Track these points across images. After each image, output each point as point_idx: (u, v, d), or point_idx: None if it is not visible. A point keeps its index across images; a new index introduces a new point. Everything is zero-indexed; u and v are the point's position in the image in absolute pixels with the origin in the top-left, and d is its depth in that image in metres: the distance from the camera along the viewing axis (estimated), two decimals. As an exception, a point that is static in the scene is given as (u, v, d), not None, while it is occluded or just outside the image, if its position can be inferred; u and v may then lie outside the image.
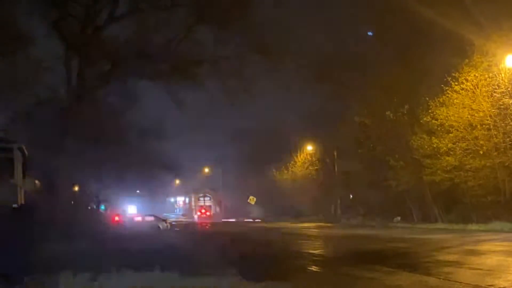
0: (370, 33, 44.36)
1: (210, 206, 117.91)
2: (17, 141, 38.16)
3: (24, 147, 38.68)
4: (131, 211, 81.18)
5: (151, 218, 53.27)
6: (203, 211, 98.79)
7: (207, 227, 58.82)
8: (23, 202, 37.44)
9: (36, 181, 44.67)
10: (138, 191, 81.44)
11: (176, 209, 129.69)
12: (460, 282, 11.99)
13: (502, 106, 34.15)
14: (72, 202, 47.18)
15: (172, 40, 34.55)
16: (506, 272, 13.53)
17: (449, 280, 12.49)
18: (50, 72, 34.91)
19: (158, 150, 64.25)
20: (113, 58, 34.12)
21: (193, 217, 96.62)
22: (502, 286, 11.27)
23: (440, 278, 12.77)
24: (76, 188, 55.86)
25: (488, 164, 35.86)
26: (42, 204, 31.01)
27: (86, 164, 46.26)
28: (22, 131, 38.75)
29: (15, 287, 9.75)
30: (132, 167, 59.33)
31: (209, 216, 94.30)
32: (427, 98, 37.93)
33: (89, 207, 58.22)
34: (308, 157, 67.21)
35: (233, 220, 75.88)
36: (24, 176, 41.70)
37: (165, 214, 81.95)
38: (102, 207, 68.20)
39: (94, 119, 42.39)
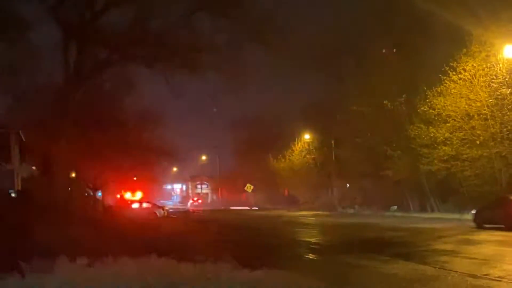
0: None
1: (206, 194, 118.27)
2: (14, 126, 38.11)
3: (21, 133, 38.63)
4: (128, 198, 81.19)
5: (148, 205, 53.35)
6: (195, 199, 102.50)
7: (200, 214, 58.89)
8: (19, 187, 37.42)
9: (33, 167, 44.62)
10: (135, 178, 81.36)
11: (173, 196, 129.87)
12: (456, 271, 12.03)
13: (499, 96, 34.13)
14: (69, 188, 47.15)
15: (171, 27, 34.42)
16: (501, 261, 13.58)
17: (444, 269, 12.54)
18: (47, 57, 34.82)
19: (155, 137, 64.18)
20: (111, 44, 33.94)
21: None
22: (497, 275, 11.31)
23: (436, 267, 12.82)
24: (73, 174, 55.87)
25: (484, 154, 35.88)
26: (38, 190, 30.99)
27: (83, 150, 46.25)
28: (19, 117, 38.69)
29: (11, 272, 9.75)
30: (129, 154, 59.26)
31: (201, 203, 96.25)
32: (425, 88, 37.88)
33: (86, 194, 58.21)
34: (306, 145, 67.21)
35: (230, 208, 75.90)
36: (21, 162, 41.67)
37: (162, 201, 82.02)
38: (99, 193, 68.20)
39: (92, 105, 42.33)
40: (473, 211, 29.71)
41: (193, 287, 8.33)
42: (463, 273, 11.80)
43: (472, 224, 28.05)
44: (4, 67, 32.94)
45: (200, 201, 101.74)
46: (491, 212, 27.16)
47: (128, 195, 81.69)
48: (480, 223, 27.51)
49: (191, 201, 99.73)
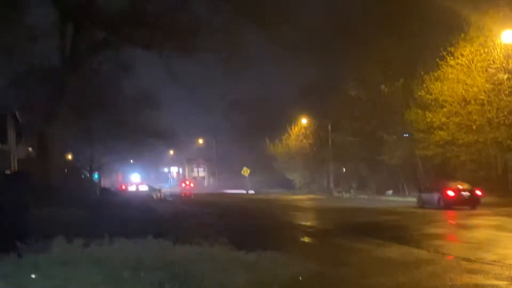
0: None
1: (203, 177, 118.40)
2: (10, 108, 37.99)
3: (17, 114, 38.52)
4: (125, 180, 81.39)
5: (145, 188, 53.44)
6: (187, 182, 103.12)
7: (191, 197, 58.92)
8: (16, 168, 37.40)
9: (29, 148, 44.61)
10: (132, 161, 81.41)
11: (170, 179, 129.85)
12: (450, 255, 12.11)
13: (496, 82, 34.16)
14: (66, 170, 47.15)
15: (168, 8, 34.26)
16: (496, 246, 13.65)
17: (438, 252, 12.62)
18: (44, 39, 34.62)
19: (152, 120, 64.12)
20: (108, 26, 33.82)
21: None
22: (491, 259, 11.37)
23: (430, 251, 12.89)
24: (70, 156, 55.88)
25: (480, 139, 35.95)
26: (35, 171, 30.98)
27: (79, 132, 46.25)
28: (16, 98, 38.58)
29: (8, 252, 9.79)
30: (126, 136, 59.22)
31: (193, 187, 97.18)
32: (422, 73, 37.86)
33: (82, 175, 58.23)
34: (302, 130, 67.20)
35: (226, 191, 75.98)
36: (17, 143, 41.63)
37: (159, 184, 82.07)
38: (96, 175, 68.21)
39: (88, 88, 42.23)
40: (419, 193, 34.92)
41: (188, 268, 8.37)
42: (457, 257, 11.87)
43: (416, 205, 33.22)
44: (0, 48, 32.81)
45: (192, 184, 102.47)
46: (429, 195, 32.47)
47: (126, 178, 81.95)
48: (422, 204, 32.51)
49: (183, 184, 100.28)
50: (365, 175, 51.88)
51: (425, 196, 33.26)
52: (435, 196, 31.56)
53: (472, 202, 29.97)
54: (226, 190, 78.44)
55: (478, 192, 30.81)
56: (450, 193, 30.61)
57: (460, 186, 31.57)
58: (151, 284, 7.62)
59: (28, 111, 38.46)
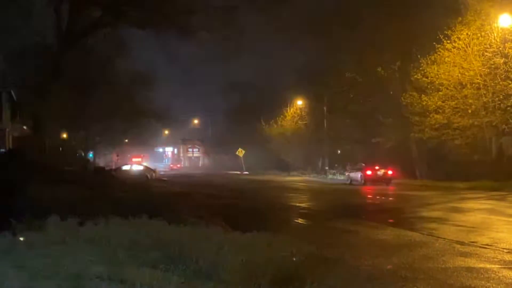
0: None
1: (198, 158, 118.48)
2: (5, 85, 37.86)
3: (12, 92, 38.41)
4: (122, 159, 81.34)
5: (139, 168, 53.31)
6: (175, 162, 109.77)
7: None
8: (10, 146, 37.36)
9: (24, 127, 44.52)
10: (126, 140, 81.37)
11: (165, 159, 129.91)
12: (444, 238, 12.16)
13: (492, 66, 34.12)
14: (60, 149, 47.12)
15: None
16: (489, 229, 13.72)
17: (432, 235, 12.68)
18: (39, 17, 34.43)
19: (147, 100, 64.11)
20: (104, 4, 33.62)
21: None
22: (484, 243, 11.44)
23: (423, 234, 12.96)
24: (65, 135, 55.81)
25: (476, 123, 36.02)
26: (30, 149, 30.94)
27: (74, 111, 46.16)
28: (11, 76, 38.44)
29: (2, 230, 9.78)
30: (121, 116, 59.19)
31: (180, 168, 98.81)
32: (419, 56, 37.81)
33: (77, 154, 58.17)
34: (298, 111, 67.20)
35: (220, 172, 76.06)
36: (12, 121, 41.55)
37: (154, 164, 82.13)
38: (90, 155, 68.16)
39: (84, 67, 42.10)
40: (346, 173, 46.05)
41: (183, 248, 8.40)
42: (450, 240, 11.93)
43: (347, 182, 43.30)
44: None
45: (179, 165, 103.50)
46: (355, 174, 42.90)
47: (121, 157, 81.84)
48: (350, 182, 42.85)
49: (170, 165, 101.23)
50: (360, 157, 51.95)
51: (352, 175, 43.45)
52: (359, 175, 41.86)
53: (386, 180, 39.73)
54: (220, 170, 78.57)
55: (390, 172, 40.59)
56: (368, 172, 40.81)
57: (377, 167, 40.94)
58: (146, 264, 7.64)
59: (23, 89, 38.35)
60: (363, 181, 40.48)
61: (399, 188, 34.42)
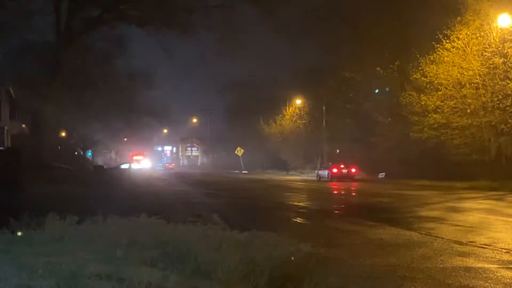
0: None
1: (196, 156, 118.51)
2: (4, 83, 37.83)
3: (11, 90, 38.39)
4: (122, 158, 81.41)
5: (138, 166, 53.32)
6: (169, 162, 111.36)
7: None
8: (9, 144, 37.35)
9: (23, 125, 44.52)
10: (125, 139, 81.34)
11: (164, 158, 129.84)
12: (442, 238, 12.15)
13: (491, 66, 34.15)
14: (59, 147, 47.10)
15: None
16: (487, 229, 13.71)
17: (430, 235, 12.67)
18: (38, 15, 34.45)
19: (146, 98, 64.05)
20: (103, 3, 33.64)
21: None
22: (483, 243, 11.43)
23: (422, 233, 12.95)
24: (63, 134, 55.78)
25: (474, 123, 36.06)
26: (28, 148, 30.94)
27: (73, 110, 46.12)
28: (10, 74, 38.43)
29: (1, 228, 9.78)
30: (120, 114, 59.15)
31: (173, 167, 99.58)
32: (418, 55, 37.83)
33: (76, 153, 58.17)
34: (297, 110, 67.19)
35: (218, 171, 76.04)
36: (11, 119, 41.53)
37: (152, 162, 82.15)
38: (89, 153, 68.16)
39: (83, 65, 42.08)
40: (316, 171, 52.69)
41: (181, 246, 8.39)
42: (449, 239, 11.92)
43: (316, 179, 49.28)
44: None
45: (173, 165, 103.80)
46: (323, 172, 49.35)
47: (120, 156, 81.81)
48: (319, 178, 49.12)
49: (159, 164, 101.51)
50: (359, 156, 51.96)
51: (321, 172, 49.98)
52: (326, 172, 48.17)
53: (349, 177, 46.08)
54: (219, 170, 78.56)
55: (353, 170, 46.96)
56: (334, 170, 47.08)
57: (342, 166, 47.27)
58: (144, 262, 7.64)
59: (22, 87, 38.32)
60: (329, 178, 46.88)
61: (362, 185, 39.55)
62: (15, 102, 40.35)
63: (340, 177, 45.85)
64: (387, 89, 47.04)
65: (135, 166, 53.88)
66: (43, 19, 34.86)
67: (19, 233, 9.59)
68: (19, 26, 34.21)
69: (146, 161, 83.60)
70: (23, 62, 37.72)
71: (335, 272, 8.08)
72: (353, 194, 30.57)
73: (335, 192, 33.05)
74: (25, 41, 36.65)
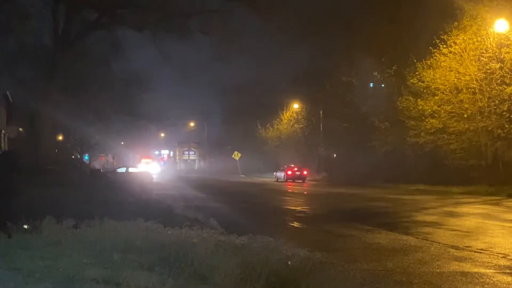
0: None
1: (194, 160, 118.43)
2: (1, 87, 37.81)
3: (8, 93, 38.36)
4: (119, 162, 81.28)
5: (135, 171, 53.24)
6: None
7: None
8: (6, 148, 37.33)
9: (20, 129, 44.51)
10: (122, 143, 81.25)
11: (161, 162, 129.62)
12: (438, 243, 12.19)
13: (488, 71, 34.22)
14: (56, 151, 47.04)
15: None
16: (484, 234, 13.76)
17: (427, 239, 12.71)
18: (36, 18, 34.43)
19: (143, 102, 64.00)
20: (101, 6, 33.61)
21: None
22: (479, 247, 11.47)
23: (418, 238, 12.99)
24: (61, 137, 55.72)
25: (471, 127, 36.11)
26: (25, 151, 30.92)
27: (70, 113, 46.07)
28: (7, 78, 38.40)
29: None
30: (117, 118, 59.08)
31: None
32: (415, 60, 37.92)
33: (73, 156, 58.13)
34: (294, 115, 67.25)
35: (215, 175, 75.95)
36: (8, 123, 41.50)
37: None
38: (86, 157, 68.10)
39: (80, 68, 42.04)
40: (274, 173, 59.01)
41: (178, 251, 8.40)
42: (445, 244, 11.96)
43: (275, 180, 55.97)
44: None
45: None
46: (280, 173, 56.50)
47: (118, 160, 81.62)
48: (276, 179, 56.16)
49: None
50: (355, 160, 51.95)
51: (278, 174, 57.20)
52: (282, 174, 55.71)
53: (301, 178, 54.25)
54: (216, 174, 78.48)
55: (305, 172, 55.20)
56: (289, 172, 54.71)
57: (295, 168, 55.25)
58: (141, 266, 7.64)
59: (19, 91, 38.30)
60: (285, 179, 54.55)
61: (312, 185, 46.34)
62: (12, 106, 40.33)
63: (293, 178, 54.22)
64: (382, 85, 47.11)
65: (132, 170, 53.67)
66: (40, 23, 34.76)
67: (16, 237, 9.58)
68: (15, 29, 34.17)
69: (155, 164, 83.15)
70: (20, 66, 37.71)
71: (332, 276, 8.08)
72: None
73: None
74: (22, 44, 36.61)
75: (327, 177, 55.08)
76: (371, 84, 49.86)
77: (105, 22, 34.75)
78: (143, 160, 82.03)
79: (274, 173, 58.68)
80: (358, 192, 34.35)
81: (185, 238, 9.69)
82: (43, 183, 21.08)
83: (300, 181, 53.48)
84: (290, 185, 47.44)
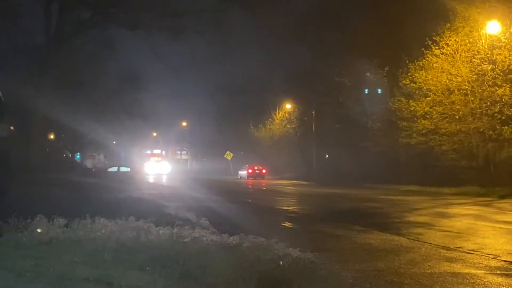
0: None
1: (186, 160, 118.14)
2: (-8, 85, 37.58)
3: (0, 92, 38.17)
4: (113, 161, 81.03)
5: (127, 169, 53.16)
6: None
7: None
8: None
9: (11, 127, 44.28)
10: (114, 142, 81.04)
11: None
12: (430, 243, 12.20)
13: (480, 72, 34.37)
14: (47, 150, 46.88)
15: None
16: (475, 235, 13.78)
17: (418, 240, 12.71)
18: (28, 17, 34.37)
19: (136, 101, 63.90)
20: (94, 5, 33.57)
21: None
22: (470, 248, 11.48)
23: (410, 238, 12.99)
24: (52, 136, 55.55)
25: (463, 129, 36.25)
26: (16, 150, 30.79)
27: (62, 112, 45.94)
28: (-1, 75, 38.24)
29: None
30: (109, 117, 58.97)
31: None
32: (407, 61, 38.02)
33: (64, 155, 57.95)
34: (287, 115, 67.31)
35: (205, 175, 75.87)
36: (-1, 121, 41.28)
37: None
38: (78, 156, 67.88)
39: (72, 66, 41.94)
40: (238, 171, 66.98)
41: (170, 250, 8.39)
42: (436, 245, 11.97)
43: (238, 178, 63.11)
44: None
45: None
46: (243, 172, 64.97)
47: (110, 159, 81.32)
48: (240, 178, 63.29)
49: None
50: (348, 161, 52.06)
51: (241, 172, 65.71)
52: (244, 172, 64.34)
53: (260, 176, 63.14)
54: (207, 174, 78.33)
55: (264, 171, 64.64)
56: (250, 170, 63.79)
57: (256, 167, 64.35)
58: (133, 266, 7.62)
59: (11, 89, 38.13)
60: (246, 177, 62.80)
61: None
62: (3, 104, 40.14)
63: (254, 176, 62.80)
64: (379, 90, 47.22)
65: (123, 169, 53.58)
66: (33, 21, 34.76)
67: (7, 236, 9.53)
68: (8, 28, 34.08)
69: (166, 163, 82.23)
70: (13, 64, 37.57)
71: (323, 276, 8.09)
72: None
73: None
74: (14, 42, 36.50)
75: (319, 177, 55.09)
76: (366, 91, 49.89)
77: (98, 20, 34.70)
78: (152, 159, 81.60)
79: (239, 171, 67.41)
80: (350, 193, 34.36)
81: (177, 238, 9.67)
82: (34, 181, 21.02)
83: (259, 178, 62.18)
84: (250, 181, 54.71)
